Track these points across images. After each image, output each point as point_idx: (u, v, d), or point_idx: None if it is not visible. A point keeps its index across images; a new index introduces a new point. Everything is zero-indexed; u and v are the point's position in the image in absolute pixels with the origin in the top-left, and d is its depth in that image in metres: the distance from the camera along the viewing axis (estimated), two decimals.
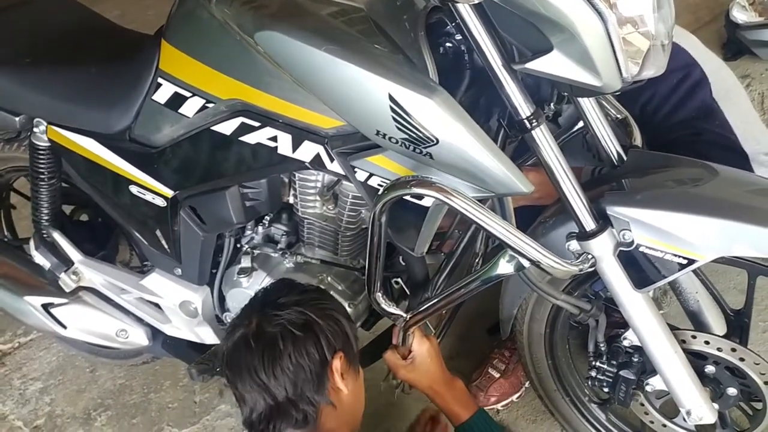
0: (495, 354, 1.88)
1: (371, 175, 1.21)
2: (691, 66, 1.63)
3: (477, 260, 1.53)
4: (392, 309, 1.36)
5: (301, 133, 1.22)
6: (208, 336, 1.69)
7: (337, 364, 1.23)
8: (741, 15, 2.72)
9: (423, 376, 1.42)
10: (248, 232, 1.55)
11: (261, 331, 1.22)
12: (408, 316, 1.36)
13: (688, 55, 1.63)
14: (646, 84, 1.57)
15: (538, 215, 1.35)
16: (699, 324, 1.40)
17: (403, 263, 1.44)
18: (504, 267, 1.19)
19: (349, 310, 1.52)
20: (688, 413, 1.31)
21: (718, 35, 2.87)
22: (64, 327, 1.77)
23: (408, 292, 1.47)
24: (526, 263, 1.15)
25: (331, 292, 1.50)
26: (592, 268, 1.18)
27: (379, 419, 1.86)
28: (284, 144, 1.24)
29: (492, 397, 1.82)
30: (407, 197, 1.20)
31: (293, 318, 1.22)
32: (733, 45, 2.79)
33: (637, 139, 1.36)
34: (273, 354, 1.20)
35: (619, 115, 1.39)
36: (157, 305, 1.70)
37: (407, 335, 1.40)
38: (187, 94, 1.29)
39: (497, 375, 1.84)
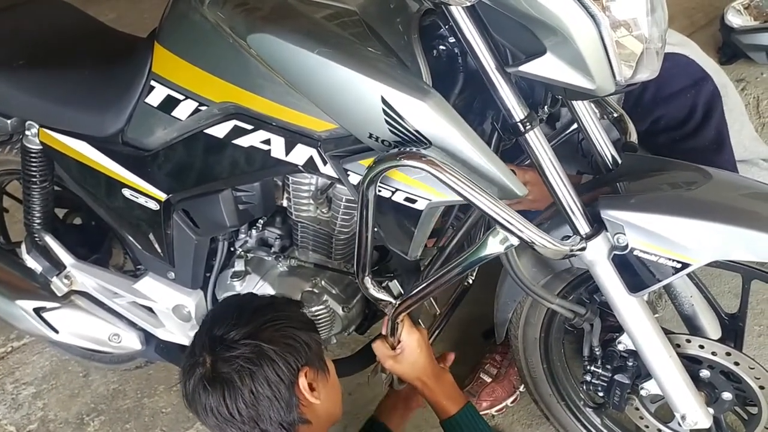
0: (486, 359, 1.87)
1: None
2: (702, 80, 1.58)
3: None
4: (381, 295, 1.33)
5: (294, 137, 1.21)
6: None
7: (303, 382, 1.21)
8: (736, 19, 2.72)
9: (411, 367, 1.40)
10: (242, 236, 1.55)
11: (216, 373, 1.19)
12: (397, 303, 1.34)
13: (697, 66, 1.58)
14: (658, 102, 1.55)
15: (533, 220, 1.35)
16: (694, 328, 1.40)
17: (395, 264, 1.43)
18: (493, 246, 1.16)
19: (343, 314, 1.52)
20: (683, 418, 1.30)
21: (714, 39, 2.88)
22: (56, 331, 1.77)
23: (402, 291, 1.46)
24: (515, 241, 1.13)
25: (325, 296, 1.49)
26: (583, 251, 1.16)
27: (365, 413, 1.85)
28: (277, 147, 1.24)
29: (484, 402, 1.82)
30: (400, 201, 1.19)
31: (246, 353, 1.19)
32: (728, 49, 2.79)
33: (633, 136, 1.35)
34: (233, 394, 1.18)
35: (615, 113, 1.38)
36: (150, 309, 1.69)
37: (396, 325, 1.38)
38: (180, 96, 1.28)
39: (489, 380, 1.83)
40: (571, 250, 1.15)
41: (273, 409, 1.19)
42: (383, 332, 1.43)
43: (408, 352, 1.39)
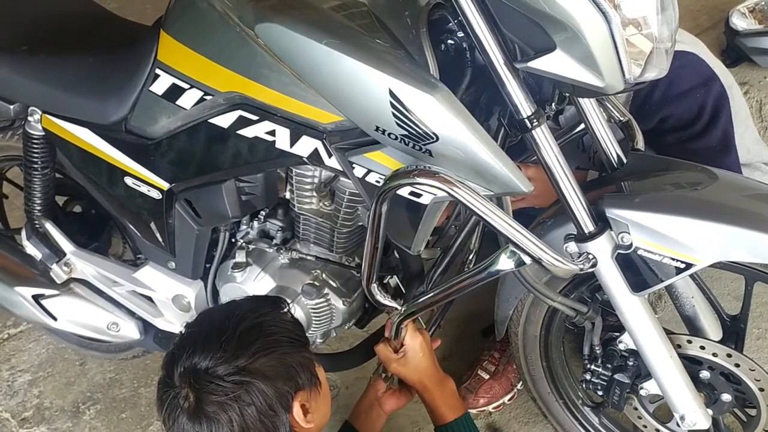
0: (485, 356, 1.87)
1: (369, 171, 1.20)
2: (711, 80, 1.57)
3: (470, 257, 1.53)
4: (387, 301, 1.35)
5: (299, 128, 1.21)
6: None
7: (297, 410, 1.14)
8: (741, 22, 2.71)
9: (414, 371, 1.39)
10: (243, 227, 1.54)
11: (200, 409, 1.09)
12: (403, 309, 1.35)
13: (706, 66, 1.57)
14: (667, 100, 1.53)
15: (536, 218, 1.35)
16: (695, 329, 1.40)
17: (399, 259, 1.43)
18: (505, 263, 1.17)
19: (343, 307, 1.51)
20: (682, 418, 1.30)
21: (718, 42, 2.87)
22: (55, 319, 1.76)
23: (403, 290, 1.46)
24: (527, 260, 1.14)
25: (326, 289, 1.49)
26: (593, 268, 1.17)
27: None
28: (282, 138, 1.23)
29: (481, 399, 1.81)
30: (404, 195, 1.19)
31: (230, 389, 1.09)
32: (732, 52, 2.78)
33: (640, 143, 1.35)
34: (220, 431, 1.09)
35: (622, 118, 1.38)
36: (149, 299, 1.68)
37: (400, 328, 1.38)
38: (185, 85, 1.27)
39: (487, 377, 1.83)
40: (581, 269, 1.16)
41: None
42: (386, 335, 1.43)
43: (411, 354, 1.39)
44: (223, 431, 1.09)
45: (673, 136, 1.60)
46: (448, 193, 1.08)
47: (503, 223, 1.10)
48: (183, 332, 1.20)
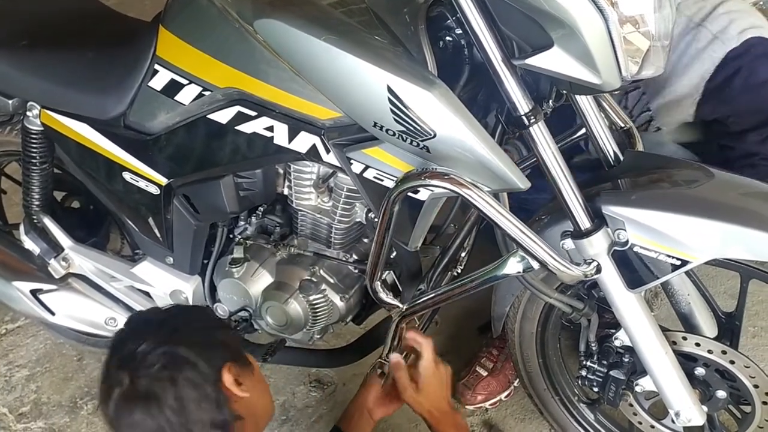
0: (483, 352, 1.87)
1: (367, 167, 1.20)
2: None
3: (463, 254, 1.53)
4: (390, 299, 1.35)
5: (297, 124, 1.21)
6: None
7: (227, 378, 1.17)
8: None
9: (426, 399, 1.37)
10: (241, 223, 1.55)
11: (135, 387, 1.13)
12: (404, 308, 1.35)
13: None
14: (748, 88, 1.48)
15: (533, 213, 1.35)
16: (690, 326, 1.40)
17: (395, 256, 1.43)
18: (513, 267, 1.20)
19: (341, 303, 1.52)
20: (677, 415, 1.31)
21: None
22: (53, 313, 1.76)
23: (400, 287, 1.46)
24: (535, 265, 1.16)
25: (323, 285, 1.49)
26: (598, 274, 1.18)
27: None
28: (280, 134, 1.24)
29: (479, 396, 1.82)
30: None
31: (161, 361, 1.13)
32: None
33: (639, 149, 1.36)
34: (158, 404, 1.12)
35: (623, 125, 1.38)
36: (147, 294, 1.69)
37: (400, 330, 1.38)
38: (183, 81, 1.28)
39: (485, 373, 1.83)
40: (586, 275, 1.17)
41: (202, 410, 1.14)
42: (389, 340, 1.41)
43: (426, 383, 1.36)
44: (160, 404, 1.12)
45: (742, 143, 1.54)
46: (461, 195, 1.10)
47: (514, 227, 1.12)
48: (115, 337, 1.25)
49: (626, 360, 1.38)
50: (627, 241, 1.17)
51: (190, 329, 1.21)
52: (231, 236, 1.56)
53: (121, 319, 1.74)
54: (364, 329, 1.66)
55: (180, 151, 1.36)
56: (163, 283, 1.62)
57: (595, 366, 1.43)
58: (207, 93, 1.26)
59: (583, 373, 1.44)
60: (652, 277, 1.19)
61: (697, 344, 1.33)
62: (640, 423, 1.48)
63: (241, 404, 1.19)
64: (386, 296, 1.35)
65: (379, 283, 1.32)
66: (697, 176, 1.21)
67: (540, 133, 1.10)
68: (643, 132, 1.63)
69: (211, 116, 1.28)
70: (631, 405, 1.46)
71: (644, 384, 1.39)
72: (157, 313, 1.30)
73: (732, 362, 1.31)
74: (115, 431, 1.17)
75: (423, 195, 1.18)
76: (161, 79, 1.31)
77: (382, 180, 1.20)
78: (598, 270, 1.18)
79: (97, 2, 1.70)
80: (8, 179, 1.94)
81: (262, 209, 1.52)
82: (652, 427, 1.47)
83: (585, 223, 1.16)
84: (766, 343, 1.94)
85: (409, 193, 1.18)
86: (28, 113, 1.52)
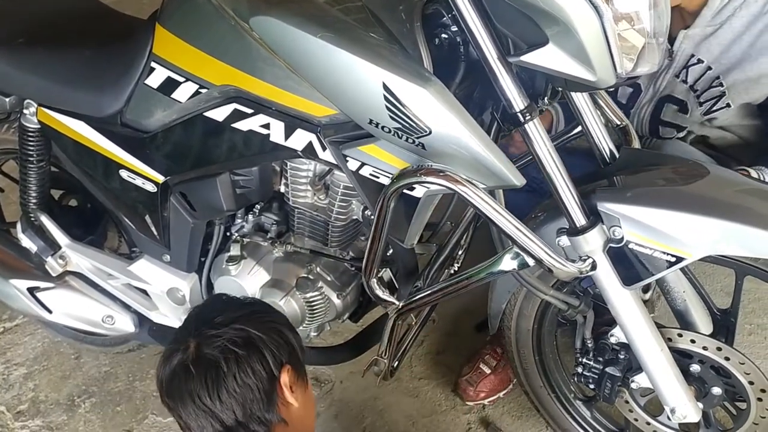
0: (487, 350, 1.88)
1: (363, 164, 1.20)
2: None
3: (460, 252, 1.54)
4: (386, 296, 1.36)
5: (293, 121, 1.22)
6: None
7: (285, 378, 1.17)
8: None
9: None
10: (238, 221, 1.55)
11: (200, 354, 1.14)
12: (400, 305, 1.36)
13: None
14: None
15: (529, 210, 1.36)
16: (686, 323, 1.41)
17: (392, 254, 1.44)
18: (508, 264, 1.20)
19: (337, 301, 1.52)
20: (673, 411, 1.31)
21: None
22: (50, 311, 1.76)
23: (396, 285, 1.46)
24: (531, 262, 1.16)
25: (320, 283, 1.50)
26: (594, 271, 1.18)
27: (357, 401, 1.87)
28: (277, 132, 1.24)
29: (482, 392, 1.83)
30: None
31: (233, 336, 1.15)
32: None
33: (635, 146, 1.36)
34: (216, 377, 1.13)
35: (619, 122, 1.38)
36: (144, 292, 1.69)
37: (396, 326, 1.37)
38: (180, 79, 1.28)
39: (488, 371, 1.84)
40: (581, 272, 1.18)
41: (255, 400, 1.14)
42: (384, 336, 1.42)
43: None
44: (220, 378, 1.12)
45: None
46: (456, 192, 1.10)
47: (509, 224, 1.12)
48: (195, 307, 1.29)
49: (622, 357, 1.38)
50: (622, 238, 1.17)
51: (268, 320, 1.22)
52: (228, 234, 1.56)
53: (119, 316, 1.75)
54: (360, 327, 1.67)
55: (177, 148, 1.36)
56: (160, 281, 1.62)
57: (591, 363, 1.43)
58: (203, 90, 1.27)
59: (579, 370, 1.44)
60: (647, 273, 1.20)
61: (693, 341, 1.33)
62: (636, 420, 1.48)
63: (287, 410, 1.18)
64: (383, 293, 1.35)
65: (375, 280, 1.33)
66: (693, 173, 1.21)
67: (535, 129, 1.10)
68: (667, 139, 1.61)
69: (208, 114, 1.28)
70: (627, 402, 1.46)
71: (640, 381, 1.39)
72: (243, 297, 1.33)
73: (727, 359, 1.31)
74: (164, 395, 1.19)
75: (419, 192, 1.19)
76: (158, 76, 1.31)
77: (378, 177, 1.21)
78: (594, 267, 1.19)
79: (94, 0, 1.70)
80: (5, 177, 1.94)
81: (258, 207, 1.52)
82: (648, 423, 1.48)
83: (580, 220, 1.16)
84: (761, 341, 1.95)
85: (405, 191, 1.19)
86: (25, 111, 1.52)
